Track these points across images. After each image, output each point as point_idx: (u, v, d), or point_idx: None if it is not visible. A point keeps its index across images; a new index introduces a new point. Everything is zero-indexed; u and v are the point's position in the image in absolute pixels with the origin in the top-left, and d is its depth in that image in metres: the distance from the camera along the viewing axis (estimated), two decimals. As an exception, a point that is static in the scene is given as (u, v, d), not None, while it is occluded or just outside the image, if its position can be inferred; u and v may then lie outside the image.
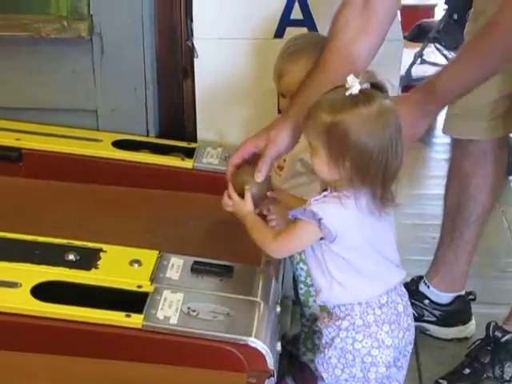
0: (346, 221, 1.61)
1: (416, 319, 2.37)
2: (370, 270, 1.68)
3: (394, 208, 1.66)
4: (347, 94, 1.56)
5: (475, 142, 2.28)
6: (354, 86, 1.56)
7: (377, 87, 1.58)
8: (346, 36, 1.85)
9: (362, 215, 1.60)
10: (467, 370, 2.25)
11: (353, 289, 1.67)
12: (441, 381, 2.25)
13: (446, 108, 2.14)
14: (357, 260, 1.65)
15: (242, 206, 1.77)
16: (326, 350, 1.71)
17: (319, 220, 1.59)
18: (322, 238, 1.63)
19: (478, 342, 2.29)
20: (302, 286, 2.12)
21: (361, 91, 1.56)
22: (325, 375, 1.73)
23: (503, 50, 1.76)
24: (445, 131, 2.37)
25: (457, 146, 2.34)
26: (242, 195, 1.78)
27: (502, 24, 1.74)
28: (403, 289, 1.75)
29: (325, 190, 1.64)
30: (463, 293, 2.46)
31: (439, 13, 3.88)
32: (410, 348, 1.75)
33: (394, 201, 1.63)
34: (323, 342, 1.73)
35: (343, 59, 1.82)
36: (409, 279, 2.48)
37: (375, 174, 1.57)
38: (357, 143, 1.55)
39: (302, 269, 2.09)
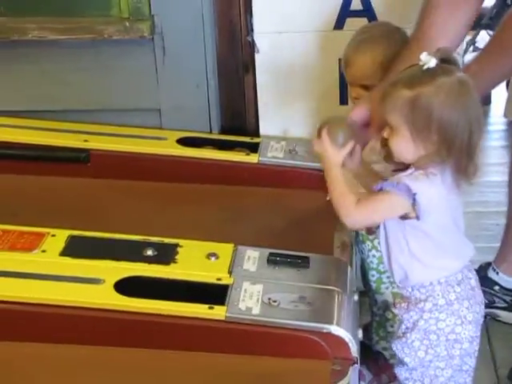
0: (436, 199, 1.61)
1: (487, 306, 2.36)
2: (452, 245, 1.69)
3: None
4: (424, 68, 1.57)
5: None
6: (431, 60, 1.57)
7: (451, 63, 1.59)
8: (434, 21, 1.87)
9: (447, 192, 1.61)
10: None
11: (435, 267, 1.68)
12: None
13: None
14: (440, 237, 1.66)
15: (332, 154, 1.69)
16: (408, 335, 1.72)
17: (414, 195, 1.59)
18: (404, 218, 1.63)
19: None
20: (374, 272, 2.12)
21: (437, 65, 1.57)
22: (407, 359, 1.73)
23: None
24: (505, 115, 2.35)
25: None
26: None
27: None
28: (470, 263, 1.76)
29: (401, 169, 1.63)
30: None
31: (492, -1, 3.83)
32: (482, 321, 1.77)
33: (477, 174, 1.62)
34: (403, 327, 1.73)
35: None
36: (476, 266, 2.47)
37: (460, 145, 1.57)
38: (442, 114, 1.56)
39: (374, 256, 2.10)
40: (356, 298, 1.82)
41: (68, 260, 1.78)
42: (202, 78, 2.44)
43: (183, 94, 2.45)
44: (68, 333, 1.66)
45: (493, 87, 1.95)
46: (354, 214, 1.66)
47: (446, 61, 1.59)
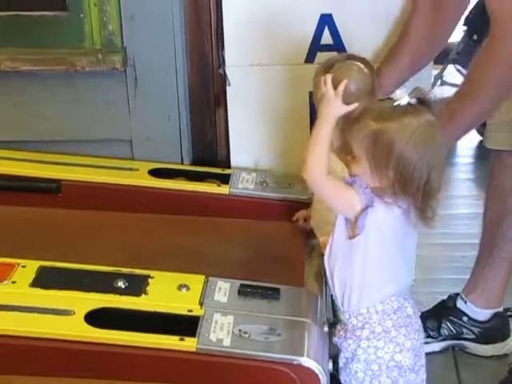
0: (386, 224, 1.64)
1: (455, 337, 2.41)
2: (391, 272, 1.71)
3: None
4: (395, 104, 1.60)
5: None
6: (403, 97, 1.59)
7: (424, 104, 1.61)
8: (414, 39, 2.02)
9: (401, 224, 1.64)
10: None
11: (373, 289, 1.70)
12: None
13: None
14: (381, 261, 1.69)
15: (333, 102, 1.66)
16: (351, 365, 1.73)
17: (368, 207, 1.62)
18: (351, 237, 1.66)
19: None
20: None
21: (409, 104, 1.60)
22: None
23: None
24: (484, 143, 2.39)
25: (496, 159, 2.36)
26: None
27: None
28: (407, 293, 1.79)
29: None
30: (501, 309, 2.46)
31: (458, 34, 3.89)
32: (422, 349, 1.78)
33: (434, 219, 1.64)
34: (342, 356, 1.74)
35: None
36: (445, 297, 2.50)
37: (417, 187, 1.59)
38: (401, 153, 1.58)
39: None
40: (326, 329, 1.82)
41: (38, 291, 1.78)
42: (174, 110, 2.46)
43: (155, 125, 2.47)
44: (38, 365, 1.65)
45: (474, 125, 1.97)
46: (318, 179, 1.65)
47: (421, 101, 1.61)
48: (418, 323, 1.77)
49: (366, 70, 1.89)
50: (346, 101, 1.66)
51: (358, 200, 1.63)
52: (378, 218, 1.63)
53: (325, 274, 2.12)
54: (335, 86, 1.67)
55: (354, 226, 1.66)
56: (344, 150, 1.74)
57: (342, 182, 1.67)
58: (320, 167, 1.64)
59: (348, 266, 1.70)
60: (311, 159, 1.64)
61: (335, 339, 1.78)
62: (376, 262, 1.69)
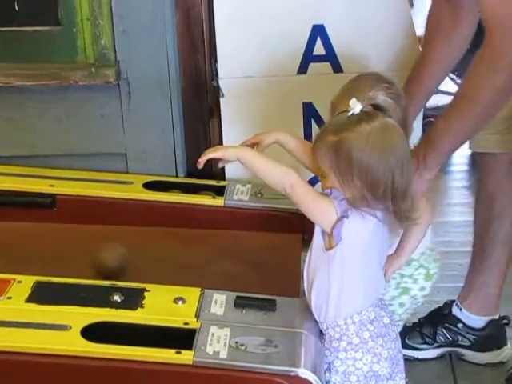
0: (361, 234, 1.66)
1: (451, 344, 2.42)
2: (369, 279, 1.74)
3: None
4: (349, 114, 1.63)
5: (498, 159, 2.31)
6: (356, 106, 1.62)
7: (379, 109, 1.64)
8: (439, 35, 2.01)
9: (377, 232, 1.66)
10: None
11: (351, 300, 1.72)
12: None
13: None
14: (358, 271, 1.71)
15: (232, 147, 1.82)
16: (329, 377, 1.74)
17: (344, 217, 1.63)
18: (328, 249, 1.68)
19: None
20: None
21: (363, 111, 1.62)
22: None
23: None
24: (470, 147, 2.40)
25: (481, 163, 2.37)
26: None
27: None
28: (384, 301, 1.82)
29: None
30: (497, 317, 2.46)
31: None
32: (400, 356, 1.80)
33: (411, 217, 1.67)
34: (324, 367, 1.75)
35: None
36: (441, 304, 2.51)
37: (384, 191, 1.61)
38: (361, 160, 1.60)
39: None
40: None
41: (34, 306, 1.78)
42: (168, 123, 2.47)
43: (149, 138, 2.48)
44: (34, 380, 1.65)
45: (463, 142, 1.98)
46: (290, 192, 1.69)
47: (375, 106, 1.64)
48: (394, 331, 1.79)
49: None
50: None
51: (333, 210, 1.65)
52: (354, 228, 1.65)
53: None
54: None
55: (330, 238, 1.68)
56: (314, 169, 1.78)
57: (318, 193, 1.69)
58: (279, 183, 1.70)
59: (325, 277, 1.72)
60: (268, 182, 1.73)
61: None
62: (353, 273, 1.71)
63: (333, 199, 1.65)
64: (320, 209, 1.67)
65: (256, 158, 1.76)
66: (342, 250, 1.68)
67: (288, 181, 1.69)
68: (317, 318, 1.77)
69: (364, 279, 1.73)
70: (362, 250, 1.70)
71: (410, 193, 1.66)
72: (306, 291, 1.78)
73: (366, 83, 1.94)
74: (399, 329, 1.93)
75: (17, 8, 2.38)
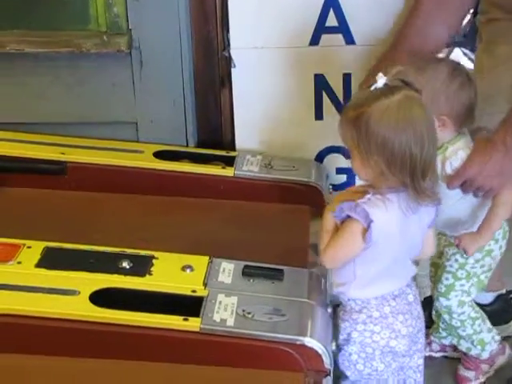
0: (389, 227, 1.64)
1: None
2: (396, 271, 1.73)
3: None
4: (372, 88, 1.62)
5: None
6: (379, 80, 1.61)
7: (404, 83, 1.62)
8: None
9: (403, 218, 1.64)
10: None
11: (373, 288, 1.73)
12: None
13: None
14: (387, 263, 1.70)
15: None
16: (346, 347, 1.76)
17: (370, 222, 1.62)
18: None
19: None
20: (449, 276, 2.09)
21: (386, 85, 1.61)
22: (348, 373, 1.77)
23: None
24: None
25: None
26: None
27: None
28: (411, 280, 1.81)
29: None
30: (504, 291, 2.47)
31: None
32: (420, 335, 1.81)
33: (432, 196, 1.65)
34: (341, 338, 1.77)
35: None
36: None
37: (401, 165, 1.60)
38: (377, 133, 1.59)
39: (456, 260, 2.08)
40: (329, 310, 1.83)
41: (43, 271, 1.79)
42: (179, 92, 2.46)
43: (160, 107, 2.47)
44: (43, 344, 1.67)
45: None
46: (323, 259, 1.73)
47: (401, 81, 1.62)
48: (417, 310, 1.79)
49: None
50: None
51: (357, 224, 1.64)
52: (381, 225, 1.63)
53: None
54: None
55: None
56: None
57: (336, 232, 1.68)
58: (321, 251, 1.73)
59: (351, 262, 1.71)
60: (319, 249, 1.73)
61: (335, 321, 1.80)
62: (382, 265, 1.71)
63: (351, 214, 1.63)
64: (354, 236, 1.65)
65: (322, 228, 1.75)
66: (373, 248, 1.66)
67: (322, 261, 1.74)
68: (338, 293, 1.77)
69: (388, 270, 1.72)
70: (388, 243, 1.67)
71: (432, 172, 1.64)
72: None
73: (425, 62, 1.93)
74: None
75: (30, -25, 2.38)
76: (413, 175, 1.61)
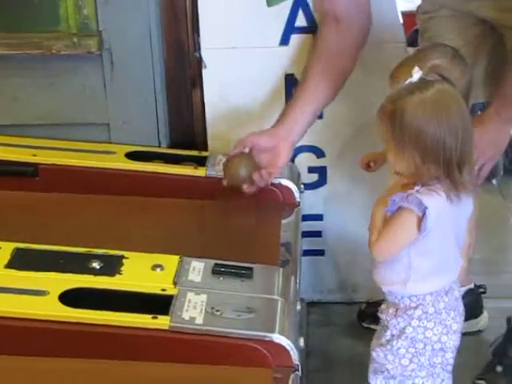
0: (442, 215, 1.66)
1: None
2: (450, 262, 1.75)
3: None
4: (407, 82, 1.65)
5: None
6: (415, 75, 1.64)
7: (441, 77, 1.65)
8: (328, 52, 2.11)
9: (451, 207, 1.66)
10: (499, 368, 2.28)
11: (431, 282, 1.73)
12: (479, 382, 2.28)
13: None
14: (442, 253, 1.72)
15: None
16: (394, 342, 1.76)
17: (425, 209, 1.63)
18: None
19: (500, 338, 2.32)
20: None
21: (422, 79, 1.64)
22: (389, 366, 1.78)
23: None
24: None
25: None
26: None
27: None
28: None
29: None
30: (472, 286, 2.50)
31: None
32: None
33: (468, 187, 1.67)
34: (388, 333, 1.77)
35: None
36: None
37: (435, 159, 1.62)
38: (411, 125, 1.61)
39: None
40: (299, 307, 1.85)
41: (13, 272, 1.79)
42: (151, 93, 2.47)
43: (132, 108, 2.48)
44: (12, 344, 1.67)
45: None
46: (373, 250, 1.73)
47: (438, 75, 1.66)
48: (461, 307, 1.81)
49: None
50: None
51: (411, 214, 1.65)
52: (435, 212, 1.64)
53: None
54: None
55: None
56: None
57: (388, 221, 1.69)
58: (370, 242, 1.72)
59: (407, 262, 1.72)
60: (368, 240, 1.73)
61: (382, 316, 1.81)
62: (438, 255, 1.72)
63: (404, 204, 1.64)
64: (409, 226, 1.66)
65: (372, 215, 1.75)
66: (426, 236, 1.67)
67: (373, 253, 1.73)
68: (390, 292, 1.78)
69: (443, 261, 1.73)
70: (442, 231, 1.69)
71: (468, 163, 1.66)
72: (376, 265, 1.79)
73: (430, 53, 1.96)
74: None
75: (-2, -23, 2.38)
76: (448, 167, 1.63)
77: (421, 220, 1.65)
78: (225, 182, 2.20)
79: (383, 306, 1.82)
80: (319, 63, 2.17)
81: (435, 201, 1.65)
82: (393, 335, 1.77)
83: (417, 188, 1.66)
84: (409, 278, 1.73)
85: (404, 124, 1.62)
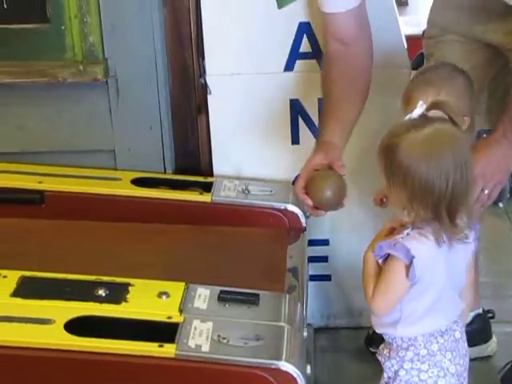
0: (431, 260, 1.61)
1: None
2: (443, 306, 1.69)
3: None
4: (406, 118, 1.61)
5: None
6: (415, 111, 1.60)
7: (448, 117, 1.60)
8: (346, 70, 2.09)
9: (445, 251, 1.61)
10: None
11: (421, 325, 1.68)
12: None
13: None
14: (433, 298, 1.66)
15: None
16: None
17: (412, 258, 1.58)
18: None
19: (510, 365, 2.29)
20: None
21: (421, 116, 1.59)
22: None
23: None
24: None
25: None
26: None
27: None
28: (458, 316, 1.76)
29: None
30: (481, 311, 2.48)
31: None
32: (466, 374, 1.76)
33: (462, 231, 1.61)
34: (385, 376, 1.73)
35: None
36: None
37: (422, 201, 1.57)
38: (400, 166, 1.57)
39: None
40: (305, 334, 1.84)
41: (19, 301, 1.79)
42: (156, 120, 2.48)
43: (137, 135, 2.49)
44: (18, 373, 1.67)
45: None
46: (374, 307, 1.69)
47: (446, 113, 1.61)
48: (464, 348, 1.74)
49: None
50: None
51: (399, 262, 1.60)
52: (424, 260, 1.59)
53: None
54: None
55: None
56: None
57: (380, 280, 1.65)
58: (368, 300, 1.68)
59: (398, 305, 1.68)
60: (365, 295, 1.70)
61: (379, 358, 1.77)
62: (429, 300, 1.67)
63: (391, 252, 1.60)
64: (399, 276, 1.62)
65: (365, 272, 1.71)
66: (418, 284, 1.63)
67: (373, 310, 1.70)
68: (383, 333, 1.74)
69: (435, 305, 1.67)
70: (432, 277, 1.63)
71: (465, 208, 1.60)
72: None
73: (438, 76, 1.92)
74: None
75: (5, 6, 2.39)
76: (436, 211, 1.58)
77: (409, 268, 1.60)
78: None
79: (381, 347, 1.78)
80: (341, 79, 2.13)
81: (423, 248, 1.59)
82: (389, 377, 1.73)
83: (407, 231, 1.61)
84: (399, 321, 1.68)
85: (395, 161, 1.58)
